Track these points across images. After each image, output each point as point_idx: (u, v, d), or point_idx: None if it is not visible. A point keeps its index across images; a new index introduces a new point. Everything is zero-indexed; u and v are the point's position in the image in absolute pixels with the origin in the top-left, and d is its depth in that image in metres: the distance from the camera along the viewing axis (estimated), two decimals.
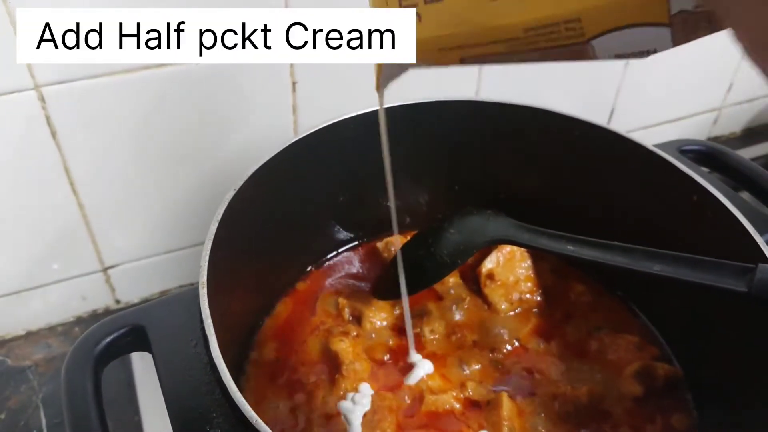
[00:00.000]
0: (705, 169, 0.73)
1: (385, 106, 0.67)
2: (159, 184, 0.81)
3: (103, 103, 0.71)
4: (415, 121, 0.70)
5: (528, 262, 0.71)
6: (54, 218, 0.79)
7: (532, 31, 0.34)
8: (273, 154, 0.63)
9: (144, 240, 0.86)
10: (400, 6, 0.36)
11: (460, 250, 0.61)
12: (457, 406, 0.61)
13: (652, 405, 0.62)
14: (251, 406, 0.60)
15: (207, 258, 0.50)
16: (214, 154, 0.81)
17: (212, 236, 0.53)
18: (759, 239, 0.54)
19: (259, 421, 0.40)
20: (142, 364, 0.79)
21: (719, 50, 1.06)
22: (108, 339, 0.47)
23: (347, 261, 0.75)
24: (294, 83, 0.79)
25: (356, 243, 0.77)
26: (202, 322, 0.46)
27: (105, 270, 0.86)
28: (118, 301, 0.90)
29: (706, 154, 0.75)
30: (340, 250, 0.76)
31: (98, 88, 0.70)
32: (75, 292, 0.87)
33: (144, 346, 0.49)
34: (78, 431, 0.42)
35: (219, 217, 0.55)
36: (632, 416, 0.61)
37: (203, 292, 0.47)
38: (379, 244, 0.75)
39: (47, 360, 0.84)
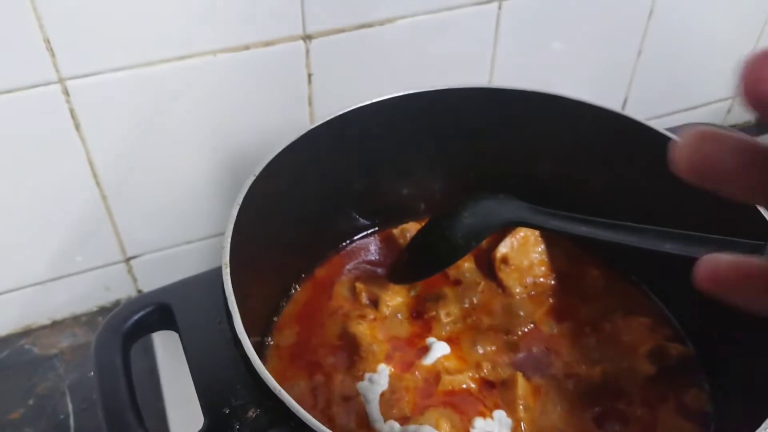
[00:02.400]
0: None
1: (398, 94, 0.69)
2: (179, 174, 0.83)
3: (125, 96, 0.73)
4: (429, 109, 0.71)
5: (542, 247, 0.72)
6: (77, 210, 0.81)
7: None
8: (291, 141, 0.64)
9: (165, 230, 0.88)
10: None
11: (474, 233, 0.62)
12: (473, 386, 0.62)
13: (665, 384, 0.63)
14: None
15: (229, 240, 0.52)
16: (231, 146, 0.83)
17: (233, 220, 0.54)
18: None
19: (282, 391, 0.41)
20: (164, 351, 0.81)
21: (734, 39, 1.06)
22: (136, 317, 0.49)
23: (364, 247, 0.77)
24: (310, 75, 0.81)
25: (373, 230, 0.78)
26: (225, 300, 0.48)
27: (127, 260, 0.89)
28: (140, 291, 0.92)
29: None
30: (357, 237, 0.77)
31: (121, 81, 0.72)
32: (98, 283, 0.89)
33: (170, 324, 0.51)
34: (108, 402, 0.44)
35: (240, 202, 0.57)
36: (645, 394, 0.62)
37: (226, 272, 0.49)
38: (395, 231, 0.76)
39: (73, 348, 0.86)
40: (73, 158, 0.76)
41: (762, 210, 0.55)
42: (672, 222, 0.63)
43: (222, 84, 0.77)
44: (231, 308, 0.46)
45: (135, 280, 0.91)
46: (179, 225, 0.88)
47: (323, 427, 0.40)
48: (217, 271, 0.50)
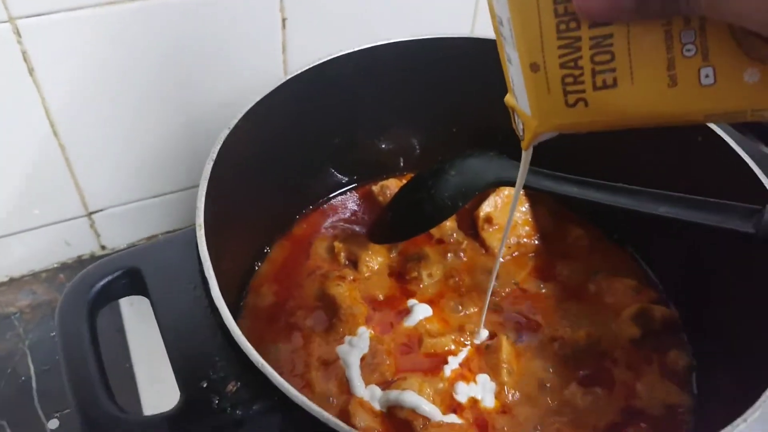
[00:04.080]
0: None
1: (377, 43, 0.65)
2: (144, 124, 0.78)
3: (82, 38, 0.67)
4: (409, 59, 0.67)
5: (526, 206, 0.70)
6: (34, 160, 0.76)
7: (713, 118, 0.33)
8: (266, 92, 0.60)
9: (130, 183, 0.83)
10: (565, 95, 0.34)
11: (461, 192, 0.60)
12: (456, 348, 0.61)
13: (648, 346, 0.62)
14: None
15: (203, 199, 0.48)
16: (200, 94, 0.78)
17: (207, 175, 0.51)
18: (766, 181, 0.53)
19: (266, 364, 0.39)
20: (131, 309, 0.78)
21: None
22: (102, 282, 0.46)
23: (342, 204, 0.74)
24: (284, 20, 0.76)
25: (351, 186, 0.75)
26: (200, 264, 0.44)
27: (89, 215, 0.84)
28: (103, 247, 0.88)
29: None
30: (335, 193, 0.74)
31: (78, 22, 0.66)
32: (58, 238, 0.84)
33: (140, 289, 0.47)
34: (75, 377, 0.41)
35: (214, 157, 0.53)
36: (629, 357, 0.61)
37: (201, 234, 0.45)
38: (375, 188, 0.73)
39: (32, 307, 0.82)
40: (28, 105, 0.70)
41: (759, 175, 0.54)
42: (661, 177, 0.62)
43: (189, 28, 0.71)
44: (207, 274, 0.43)
45: (98, 235, 0.87)
46: (146, 178, 0.83)
47: (309, 402, 0.38)
48: (190, 232, 0.47)
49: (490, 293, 0.58)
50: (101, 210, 0.84)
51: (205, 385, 0.41)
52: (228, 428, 0.39)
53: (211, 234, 0.48)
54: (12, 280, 0.85)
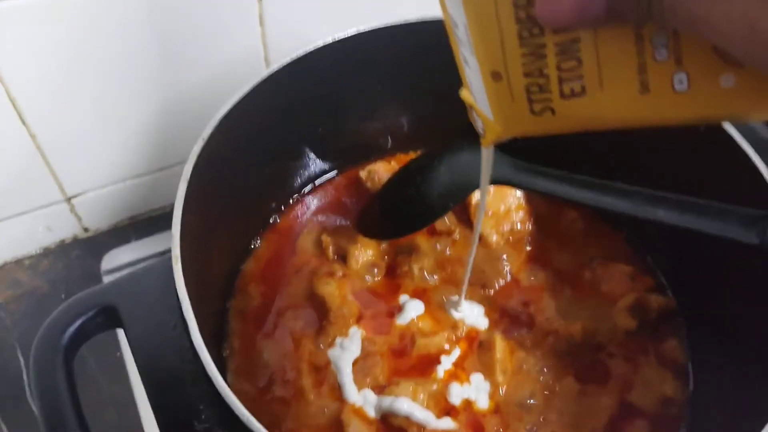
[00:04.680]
0: None
1: (363, 29, 0.60)
2: (116, 109, 0.74)
3: (42, 23, 0.63)
4: (396, 40, 0.63)
5: (520, 192, 0.67)
6: (5, 151, 0.72)
7: (687, 123, 0.30)
8: (248, 88, 0.56)
9: (107, 167, 0.80)
10: (530, 104, 0.31)
11: (451, 192, 0.57)
12: (449, 348, 0.60)
13: (644, 336, 0.61)
14: (238, 357, 0.58)
15: (178, 225, 0.45)
16: (175, 75, 0.73)
17: (184, 190, 0.48)
18: None
19: (253, 420, 0.37)
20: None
21: None
22: (77, 323, 0.44)
23: (329, 192, 0.71)
24: None
25: (337, 172, 0.72)
26: (179, 301, 0.42)
27: (69, 200, 0.81)
28: (86, 230, 0.86)
29: None
30: (320, 181, 0.71)
31: (35, 6, 0.61)
32: (38, 224, 0.82)
33: (118, 325, 0.45)
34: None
35: (194, 159, 0.51)
36: (625, 349, 0.60)
37: (177, 268, 0.43)
38: (362, 173, 0.70)
39: (17, 297, 0.80)
40: None
41: (763, 171, 0.51)
42: (659, 172, 0.59)
43: (161, 3, 0.66)
44: (187, 317, 0.41)
45: (79, 218, 0.84)
46: (124, 160, 0.80)
47: None
48: (166, 262, 0.44)
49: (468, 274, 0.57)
50: (81, 194, 0.81)
51: None
52: None
53: (190, 243, 0.46)
54: None
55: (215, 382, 0.38)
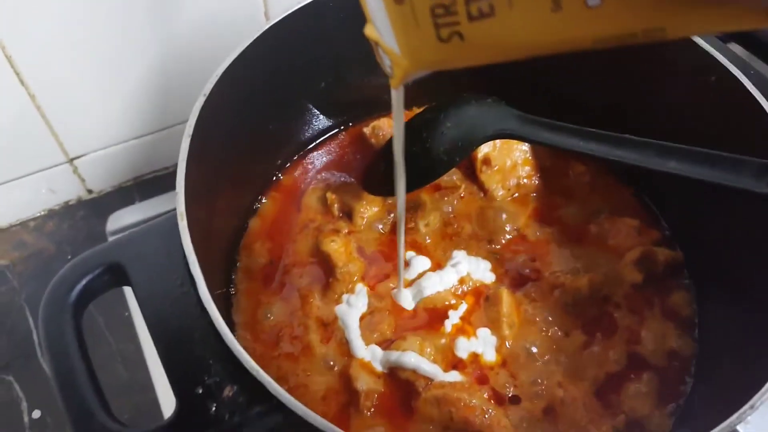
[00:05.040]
0: (731, 48, 0.66)
1: None
2: (117, 68, 0.73)
3: None
4: None
5: (526, 145, 0.67)
6: (5, 113, 0.72)
7: (603, 41, 0.28)
8: (248, 42, 0.55)
9: (108, 127, 0.80)
10: (437, 29, 0.29)
11: (457, 147, 0.56)
12: (455, 302, 0.60)
13: (651, 290, 0.61)
14: (245, 315, 0.59)
15: (182, 183, 0.45)
16: (170, 33, 0.72)
17: (187, 147, 0.47)
18: None
19: (261, 371, 0.38)
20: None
21: None
22: (84, 281, 0.43)
23: (333, 149, 0.70)
24: None
25: (341, 128, 0.71)
26: (185, 257, 0.42)
27: (71, 161, 0.81)
28: (90, 191, 0.86)
29: None
30: (324, 137, 0.71)
31: None
32: (41, 186, 0.82)
33: (125, 282, 0.45)
34: (65, 390, 0.39)
35: (196, 114, 0.50)
36: (632, 301, 0.60)
37: (183, 225, 0.43)
38: (366, 129, 0.69)
39: (24, 258, 0.80)
40: None
41: None
42: (669, 122, 0.58)
43: None
44: (194, 272, 0.41)
45: (83, 180, 0.84)
46: (125, 120, 0.79)
47: (305, 408, 0.37)
48: (172, 220, 0.44)
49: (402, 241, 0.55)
50: (83, 155, 0.81)
51: (200, 391, 0.40)
52: None
53: (195, 200, 0.46)
54: (0, 231, 0.83)
55: (223, 336, 0.38)
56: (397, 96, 0.41)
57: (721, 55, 0.54)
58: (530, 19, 0.28)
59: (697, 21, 0.26)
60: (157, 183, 0.86)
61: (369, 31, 0.34)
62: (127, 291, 0.74)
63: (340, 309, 0.59)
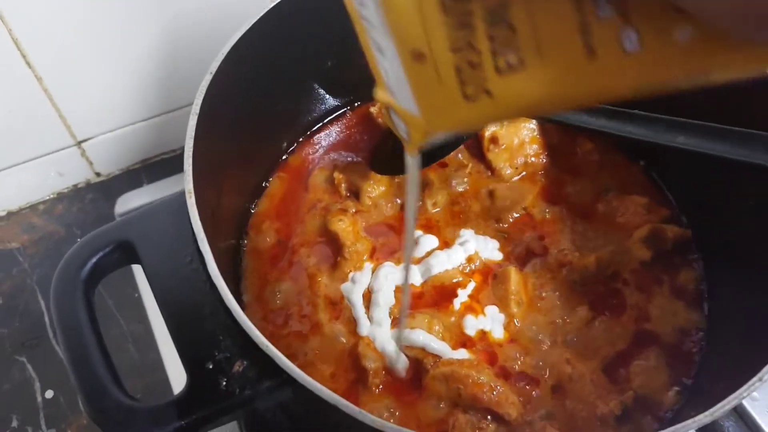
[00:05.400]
0: None
1: None
2: (124, 49, 0.73)
3: None
4: None
5: (534, 123, 0.66)
6: (12, 95, 0.72)
7: (643, 89, 0.26)
8: (253, 21, 0.55)
9: (115, 110, 0.80)
10: (462, 86, 0.27)
11: None
12: (463, 280, 0.60)
13: (660, 266, 0.61)
14: (253, 294, 0.59)
15: (190, 160, 0.45)
16: (175, 11, 0.72)
17: (192, 133, 0.47)
18: None
19: (270, 346, 0.38)
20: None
21: None
22: (94, 259, 0.44)
23: (340, 129, 0.70)
24: None
25: (348, 108, 0.71)
26: (194, 235, 0.42)
27: (79, 144, 0.81)
28: (98, 174, 0.86)
29: None
30: (331, 117, 0.70)
31: None
32: (50, 169, 0.82)
33: (134, 260, 0.46)
34: (78, 366, 0.40)
35: (202, 93, 0.50)
36: (640, 279, 0.60)
37: (191, 203, 0.43)
38: (373, 109, 0.69)
39: (34, 241, 0.81)
40: None
41: None
42: (679, 96, 0.57)
43: None
44: (202, 249, 0.41)
45: (90, 163, 0.84)
46: (132, 102, 0.79)
47: (314, 382, 0.37)
48: (180, 197, 0.44)
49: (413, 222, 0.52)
50: (90, 138, 0.81)
51: (210, 366, 0.40)
52: (238, 409, 0.39)
53: (203, 180, 0.46)
54: (10, 214, 0.84)
55: (233, 311, 0.39)
56: (413, 163, 0.37)
57: None
58: (563, 69, 0.26)
59: (745, 60, 0.24)
60: (164, 165, 0.86)
61: (380, 95, 0.31)
62: (137, 272, 0.76)
63: (346, 287, 0.59)
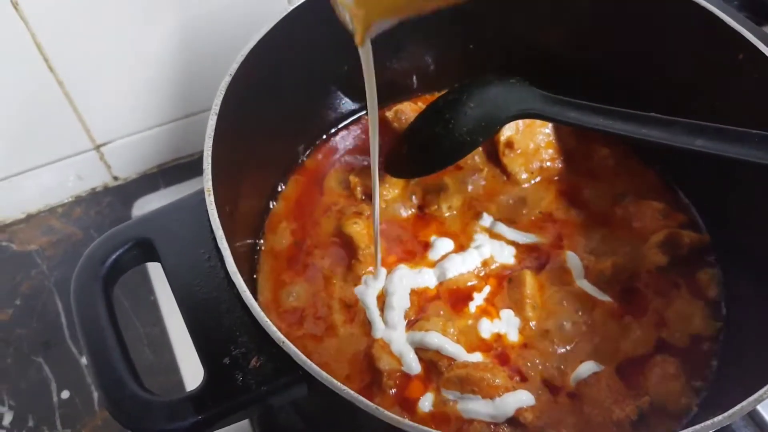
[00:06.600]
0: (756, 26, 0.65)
1: None
2: (144, 54, 0.74)
3: None
4: None
5: (549, 127, 0.66)
6: (34, 98, 0.73)
7: None
8: (270, 25, 0.56)
9: (135, 114, 0.81)
10: None
11: (481, 127, 0.56)
12: (479, 284, 0.60)
13: (676, 272, 0.60)
14: (268, 295, 0.59)
15: (209, 159, 0.45)
16: (195, 14, 0.73)
17: (212, 133, 0.48)
18: None
19: (287, 341, 0.38)
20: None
21: None
22: (114, 256, 0.44)
23: (355, 133, 0.70)
24: None
25: (364, 112, 0.71)
26: (212, 232, 0.43)
27: (98, 147, 0.82)
28: (116, 178, 0.87)
29: (758, 2, 0.66)
30: (347, 122, 0.71)
31: None
32: (69, 172, 0.83)
33: (153, 257, 0.46)
34: (97, 360, 0.40)
35: (222, 94, 0.50)
36: (657, 283, 0.60)
37: (210, 200, 0.43)
38: (389, 113, 0.69)
39: (53, 243, 0.82)
40: (17, 43, 0.66)
41: None
42: (697, 101, 0.57)
43: None
44: (221, 246, 0.41)
45: (108, 167, 0.85)
46: (151, 107, 0.80)
47: (330, 378, 0.37)
48: (199, 196, 0.45)
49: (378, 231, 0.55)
50: (109, 142, 0.82)
51: (227, 362, 0.40)
52: (254, 404, 0.40)
53: (221, 182, 0.46)
54: (29, 217, 0.85)
55: (250, 308, 0.39)
56: (365, 54, 0.40)
57: (746, 31, 0.53)
58: None
59: None
60: (181, 170, 0.87)
61: None
62: (152, 275, 0.76)
63: (359, 290, 0.59)
